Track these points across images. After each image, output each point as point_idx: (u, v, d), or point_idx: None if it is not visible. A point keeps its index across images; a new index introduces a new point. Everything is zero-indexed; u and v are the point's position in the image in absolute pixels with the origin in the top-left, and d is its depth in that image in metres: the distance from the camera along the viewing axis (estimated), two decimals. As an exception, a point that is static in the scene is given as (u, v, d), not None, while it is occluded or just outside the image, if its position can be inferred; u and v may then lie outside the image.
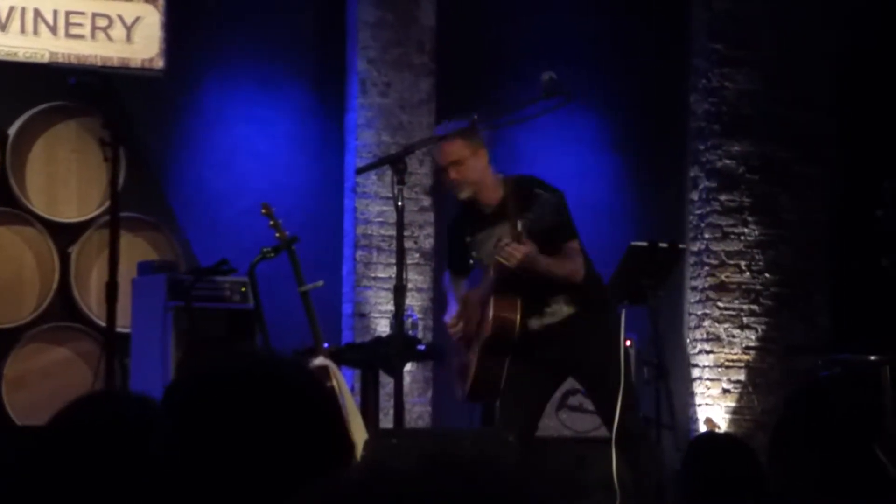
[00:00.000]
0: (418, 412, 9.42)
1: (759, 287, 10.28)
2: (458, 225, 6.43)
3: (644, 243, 7.82)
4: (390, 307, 8.97)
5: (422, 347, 8.38)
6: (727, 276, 10.27)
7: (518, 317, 6.09)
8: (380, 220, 9.46)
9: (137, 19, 9.00)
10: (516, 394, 6.21)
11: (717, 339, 10.21)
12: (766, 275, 10.29)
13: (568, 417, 8.36)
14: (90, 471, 2.24)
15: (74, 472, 2.26)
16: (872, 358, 8.32)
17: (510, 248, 5.91)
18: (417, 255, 9.50)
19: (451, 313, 6.38)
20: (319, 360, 6.92)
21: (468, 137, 6.19)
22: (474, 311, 6.24)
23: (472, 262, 6.40)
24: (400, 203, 5.95)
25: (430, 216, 9.56)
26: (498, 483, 1.39)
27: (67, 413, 2.32)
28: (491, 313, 6.09)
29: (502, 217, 6.14)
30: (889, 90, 10.16)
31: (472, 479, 1.39)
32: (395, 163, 6.03)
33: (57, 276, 8.64)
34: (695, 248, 10.30)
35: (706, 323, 10.22)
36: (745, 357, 10.22)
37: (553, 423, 8.18)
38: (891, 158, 9.83)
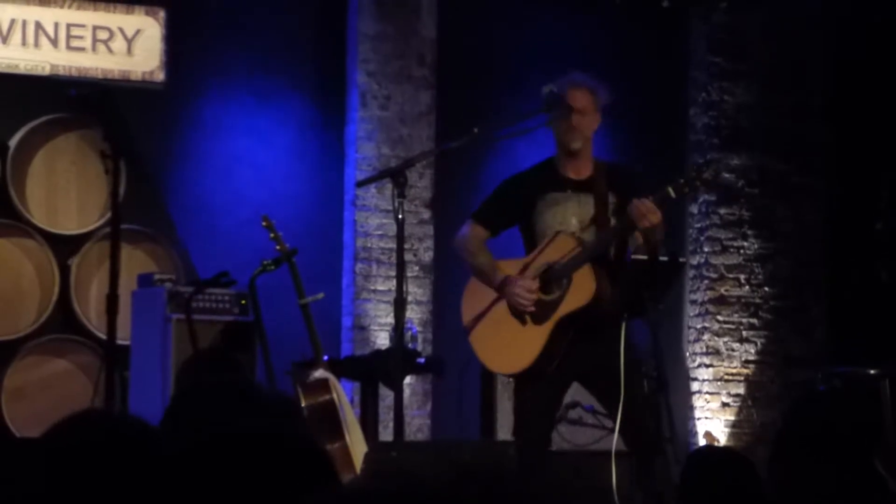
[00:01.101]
0: (418, 424, 9.42)
1: (758, 300, 10.29)
2: (527, 181, 6.24)
3: (644, 256, 7.82)
4: (390, 320, 8.97)
5: (421, 360, 8.38)
6: (726, 290, 10.28)
7: (607, 293, 6.06)
8: (379, 232, 9.47)
9: (138, 32, 9.01)
10: (544, 401, 6.18)
11: (716, 352, 10.21)
12: (766, 288, 10.30)
13: (567, 430, 8.36)
14: (82, 490, 2.24)
15: (65, 491, 2.26)
16: (872, 371, 8.33)
17: (649, 207, 5.85)
18: (417, 268, 9.50)
19: (488, 269, 6.19)
20: (319, 373, 6.92)
21: (597, 98, 6.22)
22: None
23: (513, 223, 6.26)
24: (400, 216, 5.95)
25: (430, 229, 9.56)
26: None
27: (59, 430, 2.32)
28: (594, 283, 5.99)
29: (586, 189, 6.11)
30: (886, 103, 10.17)
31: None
32: (396, 176, 6.03)
33: (57, 288, 8.64)
34: (694, 262, 10.30)
35: (706, 336, 10.22)
36: (745, 370, 10.22)
37: (553, 437, 8.18)
38: (888, 171, 9.84)
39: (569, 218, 6.13)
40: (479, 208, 6.40)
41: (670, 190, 5.96)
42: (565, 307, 6.07)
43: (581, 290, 6.04)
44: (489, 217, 6.31)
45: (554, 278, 6.09)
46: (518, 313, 6.15)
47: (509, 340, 6.18)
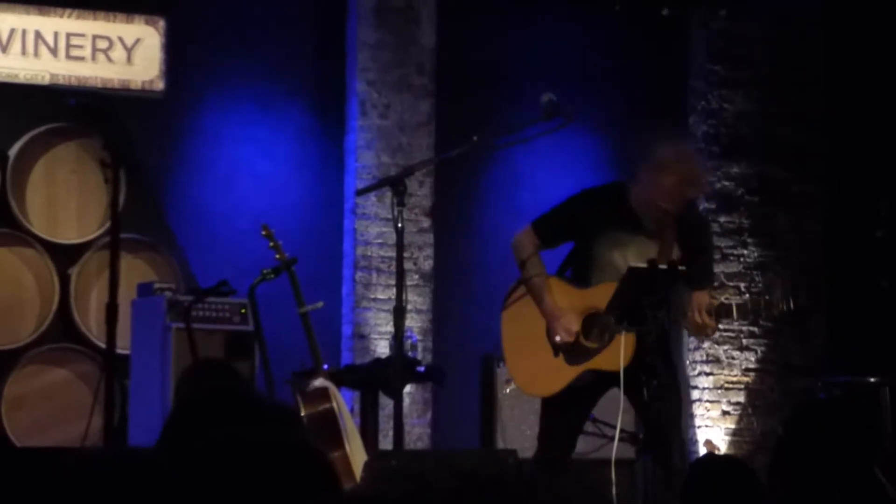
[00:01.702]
0: (418, 433, 9.41)
1: (758, 308, 10.27)
2: (598, 206, 6.20)
3: (643, 264, 7.82)
4: (390, 328, 8.97)
5: (421, 369, 8.38)
6: (727, 298, 10.26)
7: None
8: (379, 241, 9.46)
9: (138, 41, 9.02)
10: (570, 415, 6.23)
11: (716, 360, 10.20)
12: (766, 296, 10.28)
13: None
14: None
15: None
16: (872, 379, 8.32)
17: (708, 324, 6.03)
18: (417, 277, 9.50)
19: (539, 291, 6.18)
20: (319, 382, 6.91)
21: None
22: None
23: (570, 240, 6.28)
24: (400, 224, 5.95)
25: (430, 237, 9.56)
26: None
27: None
28: (628, 356, 5.98)
29: (654, 236, 6.12)
30: (886, 111, 10.18)
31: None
32: (395, 184, 6.02)
33: (57, 297, 8.64)
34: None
35: (706, 345, 10.21)
36: (745, 379, 10.21)
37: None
38: (888, 179, 9.84)
39: (629, 262, 6.06)
40: (541, 218, 6.35)
41: (735, 310, 6.10)
42: (597, 363, 6.11)
43: (615, 355, 6.01)
44: (549, 231, 6.29)
45: (598, 326, 6.11)
46: (553, 344, 6.17)
47: (539, 364, 6.21)
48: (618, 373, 5.95)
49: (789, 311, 6.20)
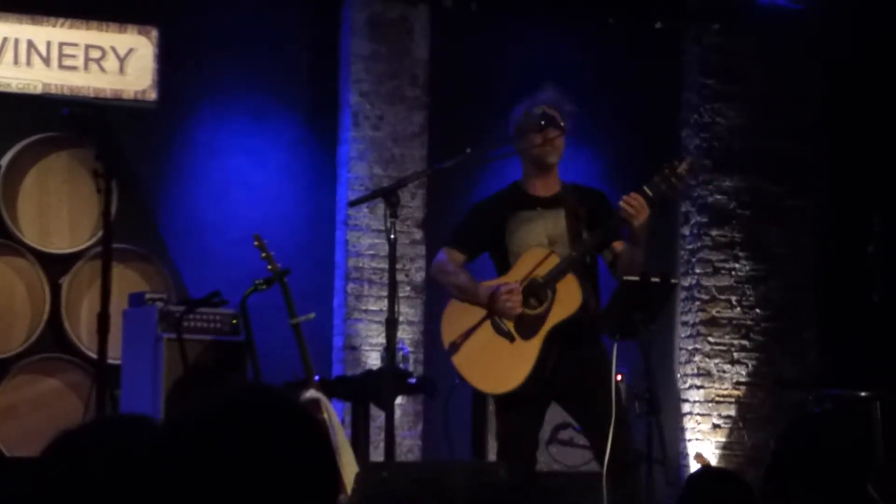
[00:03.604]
0: (409, 445, 9.40)
1: (749, 322, 10.29)
2: (496, 203, 6.35)
3: (636, 278, 7.82)
4: (381, 340, 8.96)
5: (413, 381, 8.37)
6: (718, 311, 10.28)
7: (591, 302, 6.11)
8: (371, 252, 9.46)
9: (130, 51, 9.01)
10: (528, 422, 6.19)
11: (707, 374, 10.20)
12: (757, 310, 10.30)
13: (558, 451, 8.35)
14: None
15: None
16: (863, 394, 8.33)
17: (637, 200, 5.93)
18: (409, 289, 9.49)
19: (471, 286, 6.19)
20: (310, 393, 6.91)
21: (569, 118, 6.31)
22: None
23: (486, 247, 6.31)
24: (392, 236, 5.95)
25: (422, 249, 9.56)
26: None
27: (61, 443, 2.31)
28: (580, 291, 6.04)
29: (556, 205, 6.19)
30: (877, 122, 10.20)
31: None
32: (388, 196, 6.03)
33: (48, 306, 8.62)
34: (686, 283, 10.30)
35: (697, 358, 10.22)
36: (736, 392, 10.21)
37: (543, 458, 8.16)
38: (881, 192, 9.85)
39: (540, 234, 6.18)
40: (452, 235, 6.47)
41: (647, 189, 6.02)
42: (553, 318, 6.09)
43: (568, 299, 6.07)
44: (463, 240, 6.37)
45: (536, 291, 6.11)
46: (504, 332, 6.14)
47: (498, 359, 6.16)
48: (578, 316, 6.00)
49: (688, 169, 6.16)
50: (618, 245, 6.18)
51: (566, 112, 6.30)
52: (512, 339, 6.14)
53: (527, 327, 6.12)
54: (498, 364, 6.17)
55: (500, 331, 6.15)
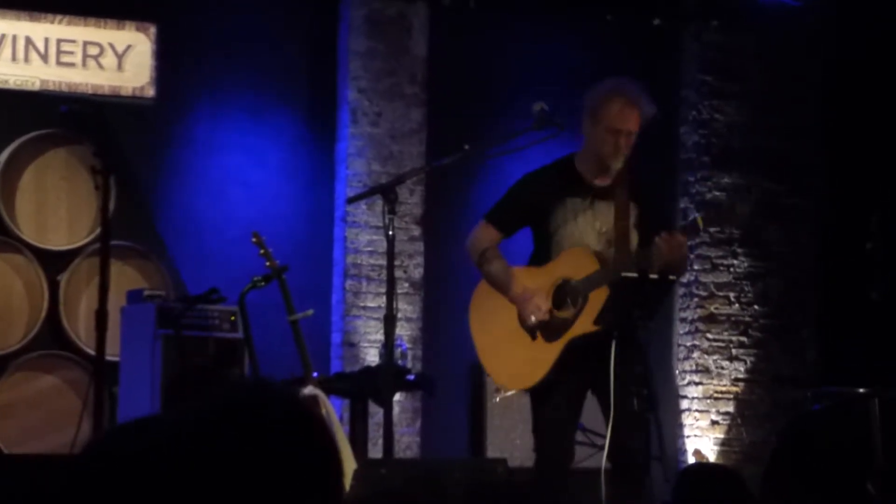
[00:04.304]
0: (407, 442, 9.40)
1: (748, 319, 10.29)
2: (546, 181, 6.07)
3: (634, 274, 7.82)
4: (380, 337, 8.96)
5: (411, 377, 8.37)
6: (716, 308, 10.28)
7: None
8: (369, 249, 9.46)
9: (129, 47, 9.01)
10: (567, 416, 6.03)
11: (705, 370, 10.21)
12: (755, 307, 10.30)
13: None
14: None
15: None
16: (861, 391, 8.32)
17: (680, 242, 5.72)
18: (407, 285, 9.49)
19: (503, 277, 6.02)
20: (309, 390, 6.91)
21: (645, 117, 6.07)
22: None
23: (528, 225, 6.10)
24: (390, 233, 5.93)
25: (420, 246, 9.56)
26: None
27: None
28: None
29: (607, 197, 5.98)
30: (876, 121, 10.20)
31: None
32: (386, 192, 6.00)
33: (46, 304, 8.62)
34: (684, 280, 10.30)
35: (695, 354, 10.22)
36: (734, 389, 10.21)
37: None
38: (880, 190, 9.85)
39: (588, 228, 6.00)
40: (492, 208, 6.24)
41: (700, 221, 5.85)
42: (578, 328, 5.95)
43: (593, 314, 5.92)
44: (503, 218, 6.16)
45: (569, 294, 5.96)
46: (529, 328, 6.02)
47: (516, 355, 6.04)
48: (602, 332, 5.84)
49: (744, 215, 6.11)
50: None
51: (644, 113, 6.05)
52: (534, 337, 6.00)
53: (552, 329, 5.98)
54: (515, 360, 6.05)
55: (524, 326, 6.03)
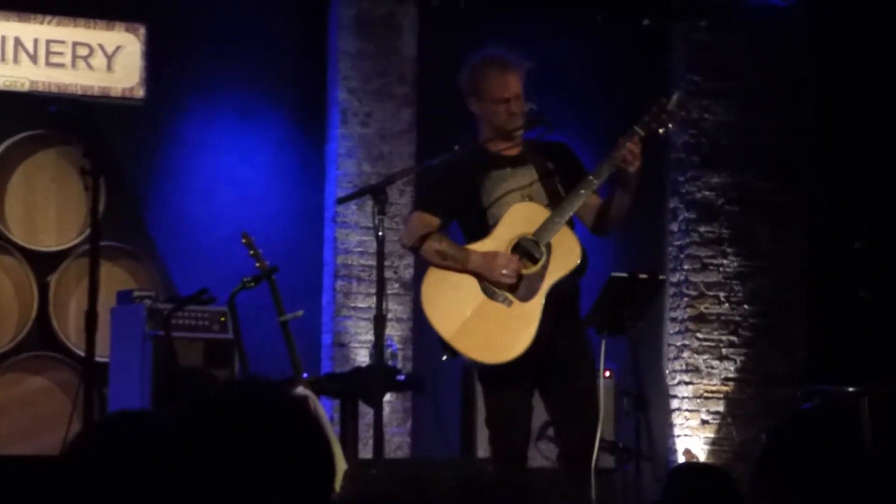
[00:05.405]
0: (397, 442, 9.41)
1: (738, 318, 10.30)
2: (464, 163, 5.99)
3: (624, 274, 7.84)
4: (370, 337, 8.96)
5: (401, 378, 8.37)
6: (706, 308, 10.29)
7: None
8: (360, 249, 9.46)
9: (118, 48, 9.00)
10: (521, 408, 5.87)
11: (696, 370, 10.21)
12: (745, 306, 10.31)
13: (547, 447, 8.35)
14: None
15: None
16: (851, 389, 8.34)
17: (636, 147, 5.77)
18: (397, 286, 9.49)
19: (456, 252, 5.84)
20: (299, 390, 6.91)
21: (524, 75, 6.13)
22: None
23: (460, 209, 5.96)
24: (380, 233, 5.88)
25: (410, 246, 9.55)
26: None
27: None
28: (578, 243, 5.83)
29: (523, 163, 5.95)
30: (866, 121, 10.21)
31: None
32: (376, 193, 5.95)
33: (35, 304, 8.61)
34: (674, 280, 10.31)
35: (685, 354, 10.23)
36: (724, 388, 10.22)
37: (531, 454, 8.17)
38: (869, 189, 9.87)
39: (515, 193, 5.92)
40: (421, 198, 6.22)
41: (638, 130, 5.92)
42: (552, 275, 5.79)
43: (565, 254, 5.81)
44: (437, 202, 6.01)
45: (529, 249, 5.81)
46: (499, 297, 5.80)
47: (497, 327, 5.80)
48: (579, 270, 5.81)
49: (678, 104, 6.13)
50: (594, 199, 5.98)
51: (521, 70, 6.12)
52: (509, 304, 5.78)
53: (524, 289, 5.79)
54: (497, 331, 5.80)
55: (494, 296, 5.81)
